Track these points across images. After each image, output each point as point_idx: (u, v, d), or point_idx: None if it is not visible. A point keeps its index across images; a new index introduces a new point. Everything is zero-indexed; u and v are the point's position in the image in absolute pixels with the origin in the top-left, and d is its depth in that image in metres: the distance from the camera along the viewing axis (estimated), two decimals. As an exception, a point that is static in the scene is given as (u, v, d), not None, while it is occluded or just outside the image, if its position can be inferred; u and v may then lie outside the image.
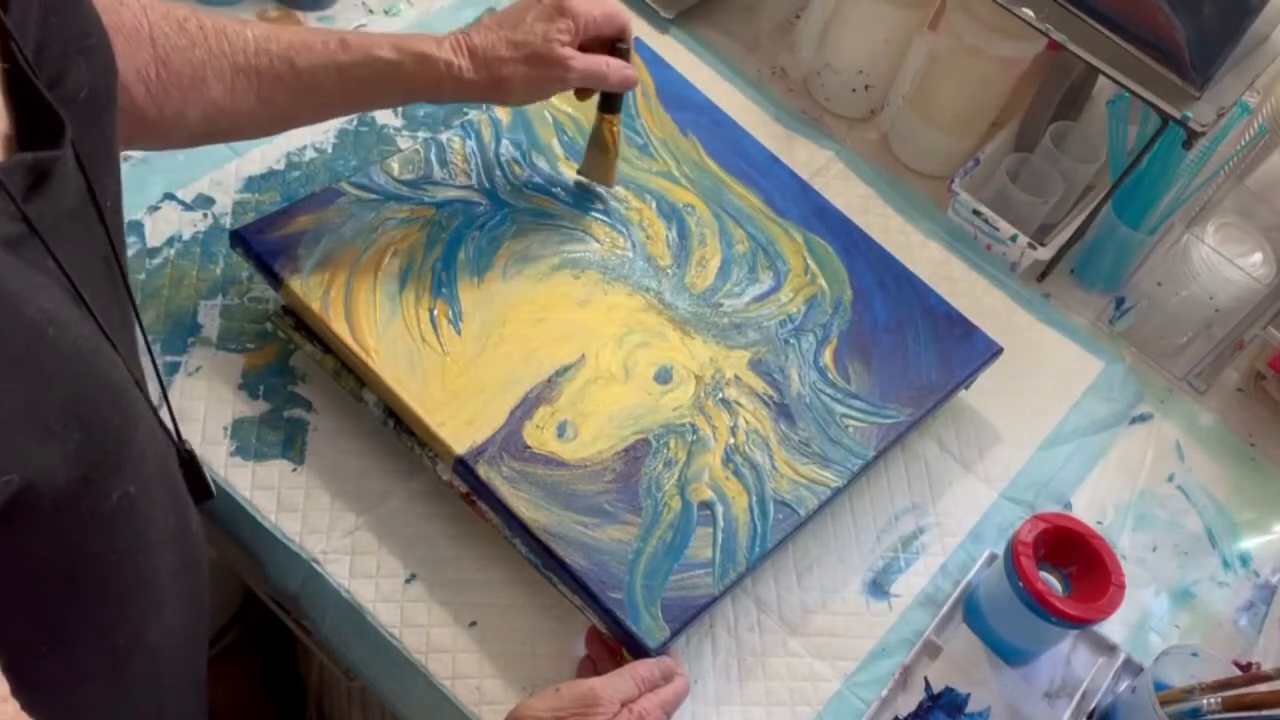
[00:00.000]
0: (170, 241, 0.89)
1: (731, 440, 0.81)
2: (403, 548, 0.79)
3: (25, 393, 0.41)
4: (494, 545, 0.79)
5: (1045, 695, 0.81)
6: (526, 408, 0.79)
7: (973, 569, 0.86)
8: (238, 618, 1.24)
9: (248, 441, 0.81)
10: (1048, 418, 0.97)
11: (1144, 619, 0.88)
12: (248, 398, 0.83)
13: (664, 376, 0.83)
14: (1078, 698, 0.81)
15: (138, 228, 0.89)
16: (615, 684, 0.68)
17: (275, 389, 0.84)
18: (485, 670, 0.76)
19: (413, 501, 0.81)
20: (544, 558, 0.74)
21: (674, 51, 1.11)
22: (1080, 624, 0.76)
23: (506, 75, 0.77)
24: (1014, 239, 1.01)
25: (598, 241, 0.89)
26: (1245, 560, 0.93)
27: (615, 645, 0.75)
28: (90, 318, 0.48)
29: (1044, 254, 1.02)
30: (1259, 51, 0.94)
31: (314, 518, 0.79)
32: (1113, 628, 0.85)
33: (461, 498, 0.78)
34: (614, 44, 0.82)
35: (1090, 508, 0.93)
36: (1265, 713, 0.73)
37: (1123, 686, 0.83)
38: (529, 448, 0.77)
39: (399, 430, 0.80)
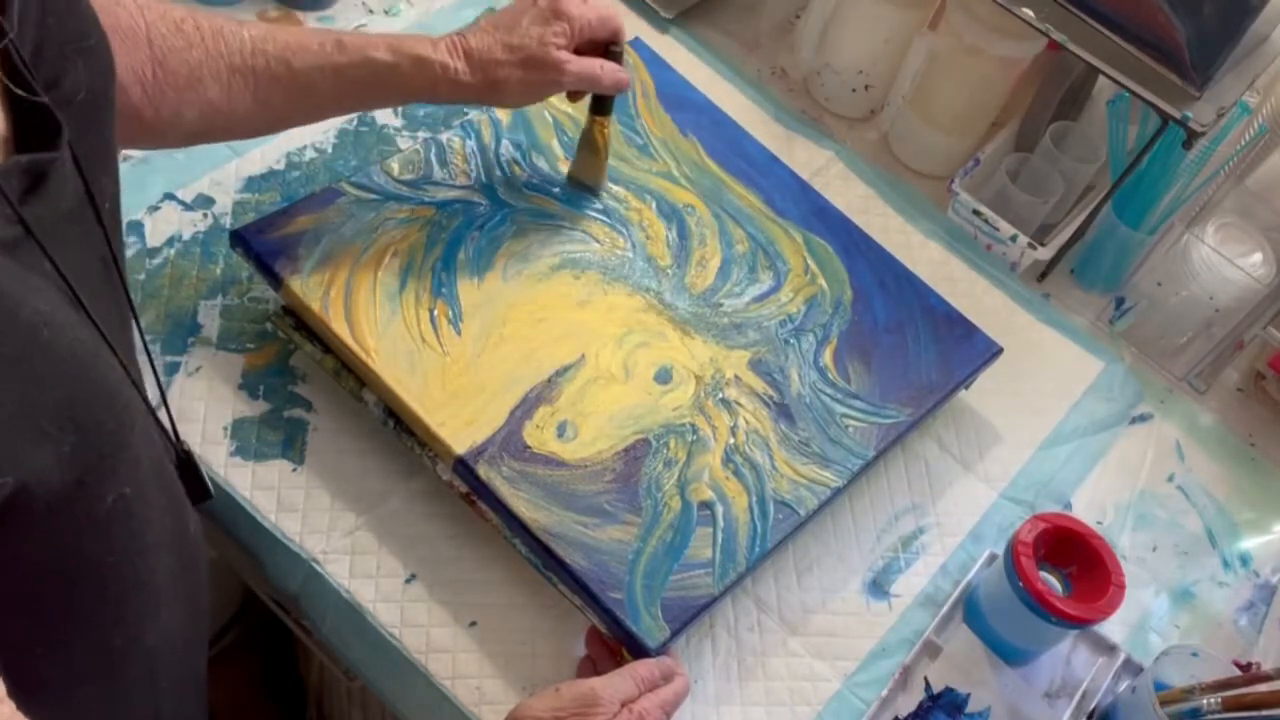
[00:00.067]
0: (170, 241, 0.89)
1: (731, 440, 0.81)
2: (403, 548, 0.79)
3: (20, 395, 0.41)
4: (494, 545, 0.79)
5: (1045, 695, 0.81)
6: (526, 408, 0.79)
7: (973, 569, 0.86)
8: (238, 618, 1.24)
9: (248, 441, 0.81)
10: (1048, 418, 0.96)
11: (1144, 619, 0.88)
12: (248, 398, 0.83)
13: (664, 376, 0.83)
14: (1078, 698, 0.81)
15: (138, 228, 0.89)
16: (615, 684, 0.68)
17: (275, 389, 0.84)
18: (485, 670, 0.76)
19: (413, 501, 0.81)
20: (544, 558, 0.74)
21: (674, 51, 1.11)
22: (1080, 624, 0.76)
23: (502, 78, 0.78)
24: (1014, 239, 1.01)
25: (598, 242, 0.89)
26: (1245, 560, 0.93)
27: (615, 645, 0.75)
28: (87, 320, 0.48)
29: (1044, 254, 1.02)
30: (1259, 51, 0.93)
31: (314, 518, 0.79)
32: (1113, 628, 0.85)
33: (461, 498, 0.78)
34: (608, 47, 0.82)
35: (1090, 508, 0.93)
36: (1265, 713, 0.73)
37: (1123, 686, 0.82)
38: (529, 448, 0.77)
39: (399, 430, 0.80)
